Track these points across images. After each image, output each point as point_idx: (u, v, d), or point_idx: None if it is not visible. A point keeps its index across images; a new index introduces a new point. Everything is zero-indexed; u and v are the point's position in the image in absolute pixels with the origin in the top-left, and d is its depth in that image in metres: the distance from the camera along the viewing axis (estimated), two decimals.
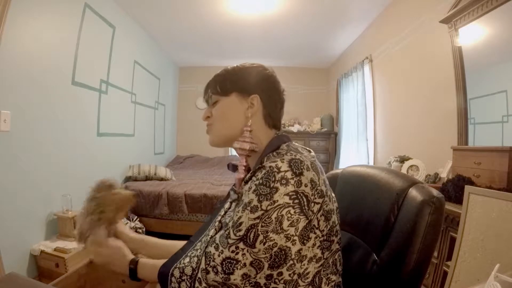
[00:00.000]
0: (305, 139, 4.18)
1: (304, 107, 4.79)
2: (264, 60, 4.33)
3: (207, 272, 0.52)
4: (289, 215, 0.49)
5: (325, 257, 0.55)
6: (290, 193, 0.49)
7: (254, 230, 0.49)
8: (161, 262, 0.63)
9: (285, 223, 0.49)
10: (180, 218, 2.55)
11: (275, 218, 0.49)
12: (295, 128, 4.24)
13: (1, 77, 1.50)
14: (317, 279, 0.54)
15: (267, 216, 0.49)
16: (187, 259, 0.57)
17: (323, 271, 0.55)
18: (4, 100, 1.52)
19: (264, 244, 0.49)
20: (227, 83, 0.66)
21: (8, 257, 1.52)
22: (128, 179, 2.95)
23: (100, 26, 2.39)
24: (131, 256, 0.69)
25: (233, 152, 4.47)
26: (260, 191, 0.50)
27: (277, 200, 0.49)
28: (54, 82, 1.88)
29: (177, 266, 0.57)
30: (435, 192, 0.58)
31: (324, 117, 4.40)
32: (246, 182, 0.57)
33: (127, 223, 2.36)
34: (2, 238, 1.51)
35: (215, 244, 0.53)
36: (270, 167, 0.51)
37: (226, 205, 0.68)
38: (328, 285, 0.56)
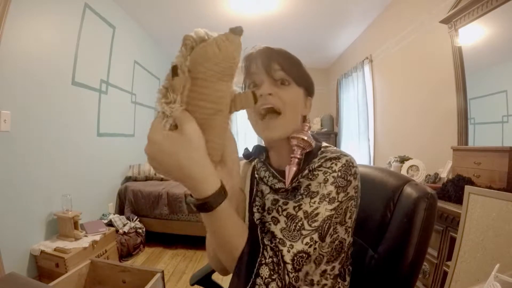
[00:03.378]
0: None
1: None
2: None
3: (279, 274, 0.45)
4: (351, 207, 0.52)
5: (345, 248, 0.57)
6: (355, 187, 0.52)
7: (329, 222, 0.49)
8: (244, 228, 0.49)
9: (348, 215, 0.52)
10: (180, 218, 2.55)
11: (344, 209, 0.51)
12: None
13: (1, 77, 1.50)
14: (342, 269, 0.57)
15: (340, 208, 0.50)
16: (266, 272, 0.44)
17: (346, 261, 0.58)
18: (4, 100, 1.52)
19: (331, 237, 0.50)
20: (304, 74, 0.60)
21: (8, 257, 1.52)
22: (128, 179, 2.95)
23: (100, 26, 2.39)
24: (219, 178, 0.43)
25: None
26: (339, 183, 0.51)
27: (349, 192, 0.51)
28: (54, 82, 1.88)
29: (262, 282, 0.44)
30: (428, 189, 0.62)
31: (324, 117, 4.40)
32: (310, 173, 0.54)
33: (127, 223, 2.36)
34: (2, 238, 1.50)
35: (278, 240, 0.47)
36: (346, 160, 0.53)
37: (266, 191, 0.61)
38: (349, 276, 0.59)
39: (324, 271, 0.52)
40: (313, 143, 0.58)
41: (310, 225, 0.48)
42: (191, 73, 0.37)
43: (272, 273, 0.44)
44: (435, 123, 1.96)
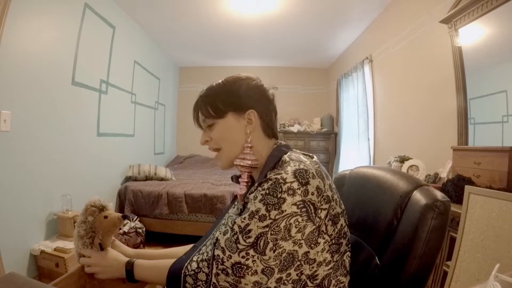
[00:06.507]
0: (305, 139, 4.18)
1: (304, 107, 4.78)
2: (264, 60, 4.36)
3: (217, 274, 0.53)
4: (297, 223, 0.50)
5: (334, 259, 0.55)
6: (298, 203, 0.50)
7: (264, 238, 0.50)
8: (159, 262, 0.64)
9: (293, 230, 0.50)
10: (180, 218, 2.55)
11: (283, 226, 0.50)
12: (295, 128, 4.24)
13: (1, 77, 1.50)
14: (326, 281, 0.54)
15: (275, 225, 0.50)
16: (194, 265, 0.56)
17: (333, 273, 0.55)
18: (4, 100, 1.52)
19: (274, 252, 0.50)
20: (218, 104, 0.64)
21: (8, 257, 1.52)
22: (128, 179, 2.95)
23: (100, 26, 2.39)
24: (126, 259, 0.69)
25: None
26: (268, 201, 0.51)
27: (285, 210, 0.50)
28: (54, 82, 1.88)
29: (188, 273, 0.56)
30: (440, 196, 0.56)
31: (324, 117, 4.40)
32: (251, 193, 0.57)
33: (127, 223, 2.35)
34: (2, 238, 1.51)
35: (220, 248, 0.54)
36: (275, 178, 0.52)
37: (231, 211, 0.69)
38: (336, 287, 0.56)
39: (280, 278, 0.51)
40: (257, 164, 0.63)
41: (245, 241, 0.51)
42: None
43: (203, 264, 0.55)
44: (435, 123, 1.96)
